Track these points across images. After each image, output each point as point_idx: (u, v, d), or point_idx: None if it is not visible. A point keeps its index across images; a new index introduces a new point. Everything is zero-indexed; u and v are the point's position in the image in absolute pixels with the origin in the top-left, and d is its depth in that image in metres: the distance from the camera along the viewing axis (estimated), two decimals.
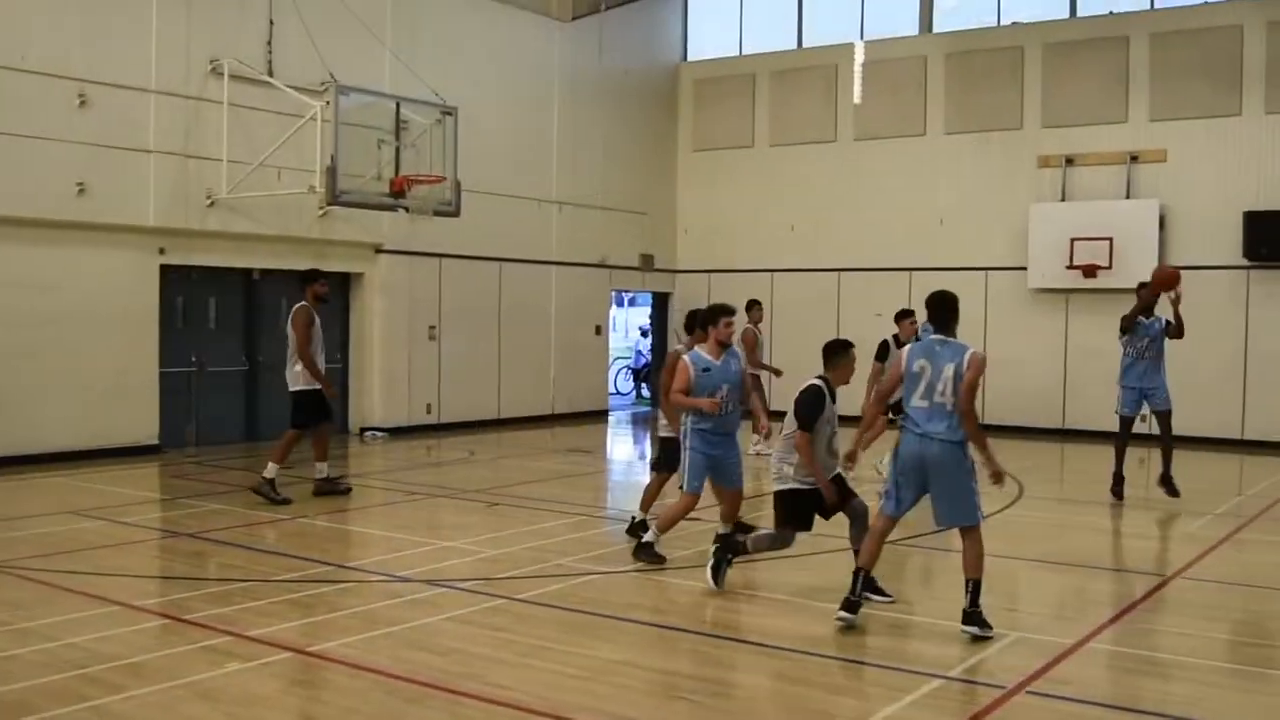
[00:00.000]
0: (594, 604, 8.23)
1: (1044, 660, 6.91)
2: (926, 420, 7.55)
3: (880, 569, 8.75)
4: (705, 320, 9.50)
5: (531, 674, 6.59)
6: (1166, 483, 12.81)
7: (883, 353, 13.74)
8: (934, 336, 7.82)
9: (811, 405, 8.20)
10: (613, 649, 7.21)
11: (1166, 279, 12.82)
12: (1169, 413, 13.00)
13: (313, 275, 12.91)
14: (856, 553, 8.12)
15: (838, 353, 8.49)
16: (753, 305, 17.17)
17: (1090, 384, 20.31)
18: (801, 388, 8.39)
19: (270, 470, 12.28)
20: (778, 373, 17.01)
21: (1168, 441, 12.99)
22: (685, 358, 9.27)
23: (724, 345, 9.34)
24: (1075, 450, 18.89)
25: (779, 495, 8.52)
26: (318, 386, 12.63)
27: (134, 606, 7.96)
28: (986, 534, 11.13)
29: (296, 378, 12.57)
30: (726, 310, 9.44)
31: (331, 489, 12.75)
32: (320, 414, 12.76)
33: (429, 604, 8.14)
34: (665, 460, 10.33)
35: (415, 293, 19.21)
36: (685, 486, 9.33)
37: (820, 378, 8.42)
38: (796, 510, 8.45)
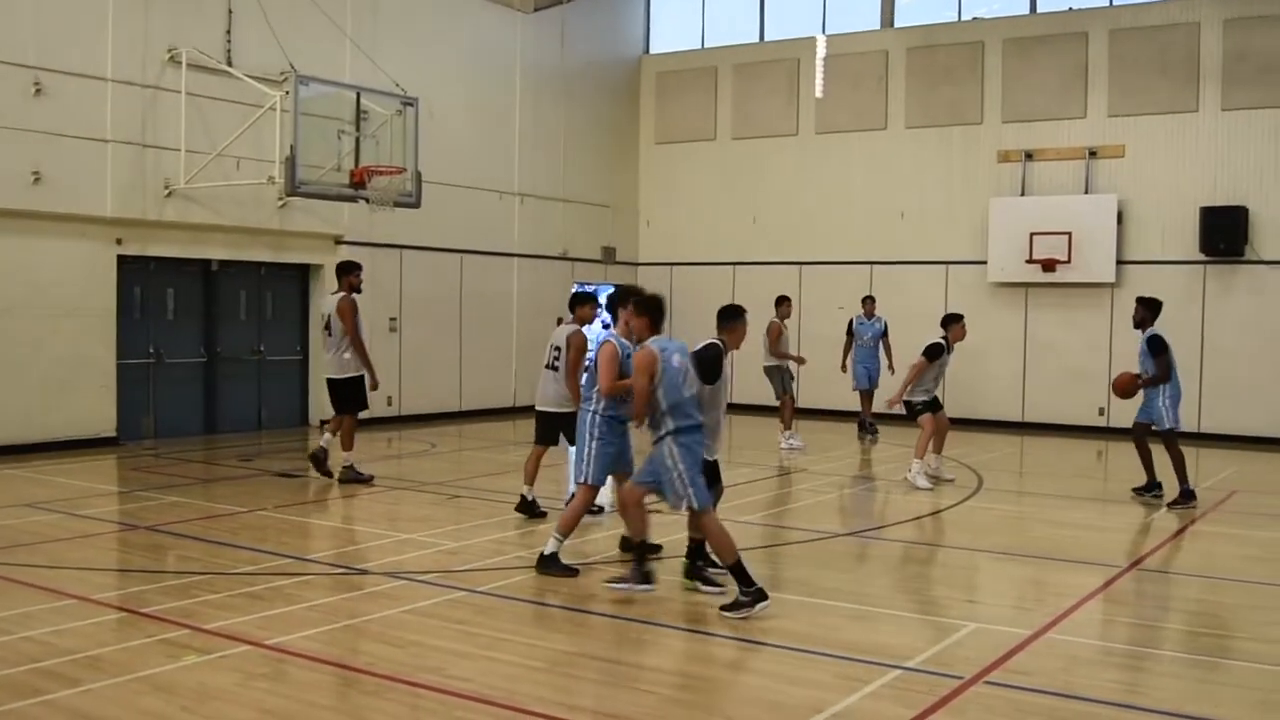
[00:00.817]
0: (553, 596, 8.23)
1: (1002, 651, 6.96)
2: (696, 410, 7.92)
3: (843, 560, 8.80)
4: (617, 302, 9.32)
5: (491, 666, 6.58)
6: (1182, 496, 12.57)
7: (934, 352, 13.63)
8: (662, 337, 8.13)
9: (718, 361, 8.38)
10: (572, 641, 7.22)
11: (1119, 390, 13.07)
12: (1165, 433, 12.61)
13: (350, 266, 13.33)
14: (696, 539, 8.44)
15: (733, 317, 8.70)
16: (782, 301, 17.62)
17: (1049, 377, 20.54)
18: (703, 344, 8.49)
19: (346, 459, 13.04)
20: (802, 360, 17.95)
21: (1171, 459, 12.64)
22: (614, 342, 9.00)
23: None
24: (1034, 443, 19.05)
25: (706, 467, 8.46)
26: (362, 373, 13.09)
27: (91, 600, 7.89)
28: (946, 526, 11.28)
29: (345, 365, 12.99)
30: (636, 292, 9.24)
31: (320, 465, 13.13)
32: (357, 401, 13.19)
33: (388, 596, 8.12)
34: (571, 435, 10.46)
35: (376, 284, 19.01)
36: (590, 479, 8.96)
37: (719, 339, 8.58)
38: (711, 477, 8.52)
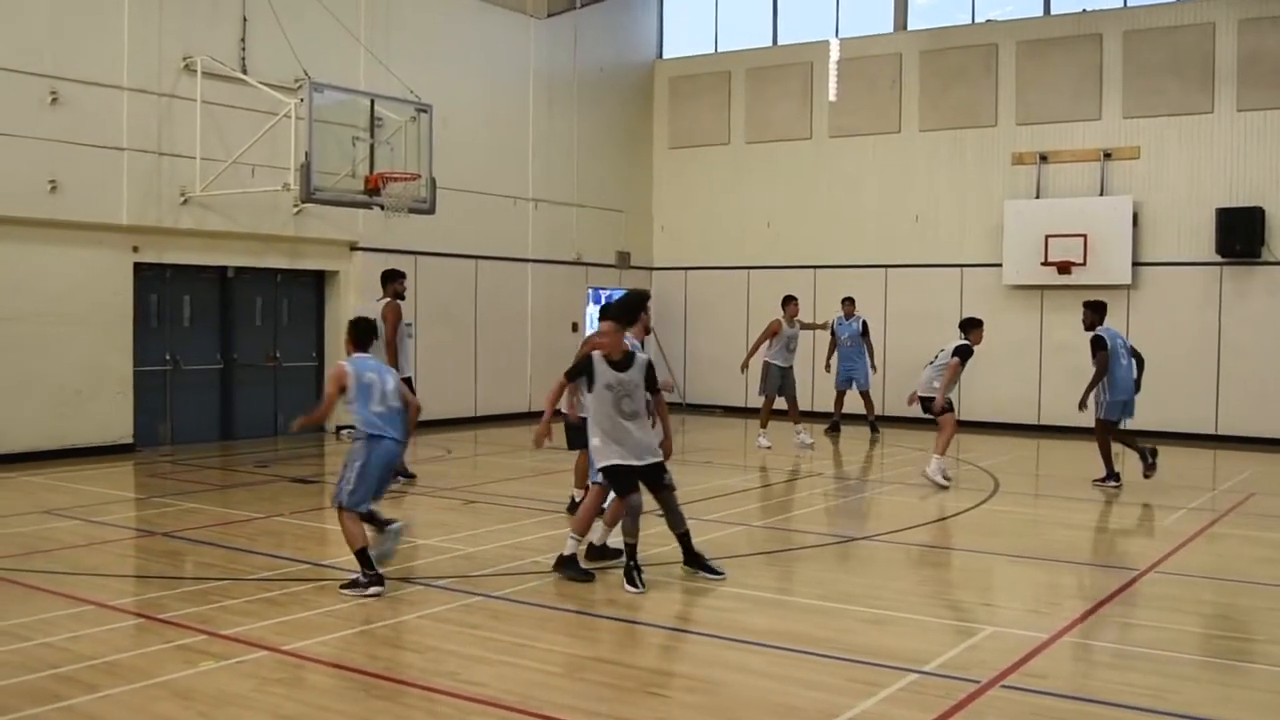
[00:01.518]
0: (570, 601, 8.24)
1: (1019, 654, 6.95)
2: (388, 424, 8.51)
3: (857, 563, 8.73)
4: (636, 307, 9.28)
5: (507, 671, 6.59)
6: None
7: (966, 353, 13.77)
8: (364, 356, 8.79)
9: (583, 368, 8.75)
10: (588, 646, 7.23)
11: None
12: (1097, 421, 13.95)
13: (394, 274, 13.82)
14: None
15: (608, 317, 9.06)
16: (787, 301, 18.20)
17: (1064, 380, 20.41)
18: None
19: None
20: (744, 367, 18.58)
21: (1098, 445, 14.04)
22: (626, 345, 9.00)
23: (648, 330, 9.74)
24: (1050, 446, 18.99)
25: (605, 470, 8.81)
26: (408, 374, 13.43)
27: (109, 606, 7.92)
28: (962, 529, 11.25)
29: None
30: (647, 296, 9.70)
31: (401, 471, 13.40)
32: None
33: (405, 602, 8.13)
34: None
35: None
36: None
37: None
38: (626, 482, 8.70)
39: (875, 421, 19.40)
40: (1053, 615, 8.07)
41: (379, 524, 8.64)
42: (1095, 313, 13.91)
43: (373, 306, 13.68)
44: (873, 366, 19.54)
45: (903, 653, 7.01)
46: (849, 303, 19.76)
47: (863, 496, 13.94)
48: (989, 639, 7.37)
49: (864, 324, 19.66)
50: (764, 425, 17.77)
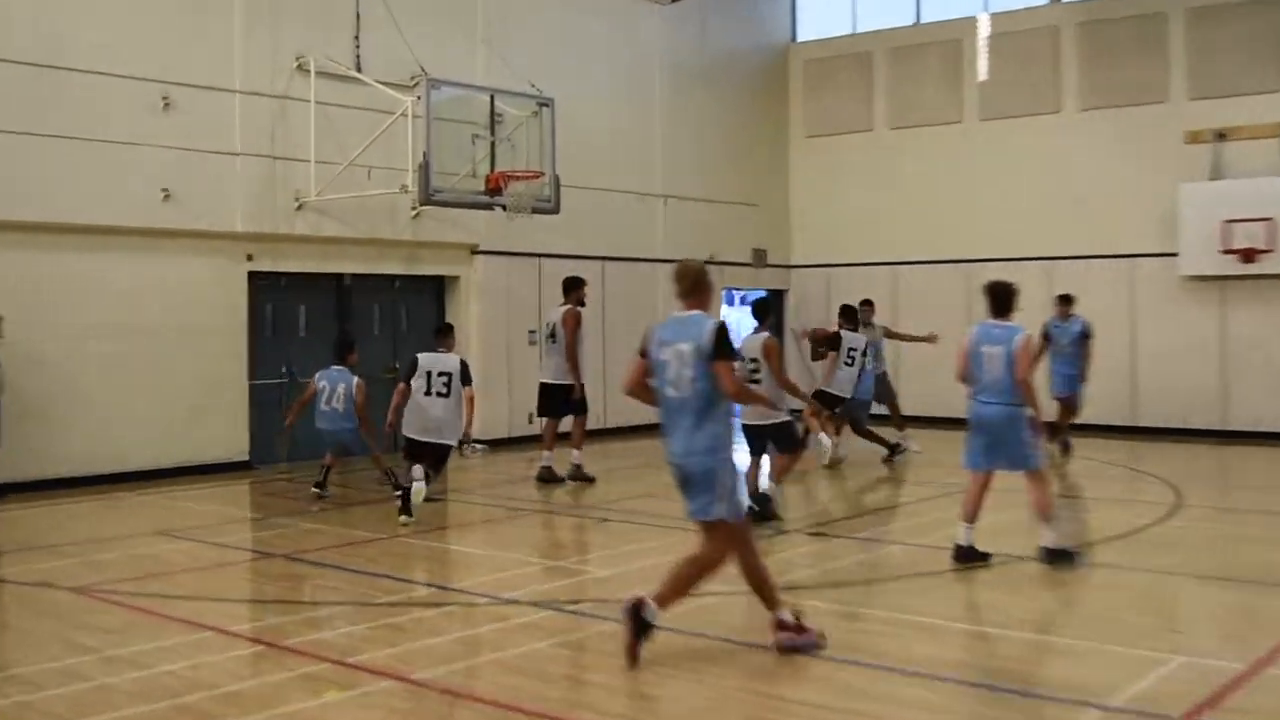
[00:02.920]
0: (713, 627, 8.11)
1: (1214, 687, 6.65)
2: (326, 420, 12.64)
3: (1029, 585, 8.47)
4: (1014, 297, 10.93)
5: (646, 703, 6.51)
6: None
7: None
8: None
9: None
10: (734, 676, 7.10)
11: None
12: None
13: (577, 281, 15.03)
14: None
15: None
16: (864, 305, 17.97)
17: (1252, 380, 19.71)
18: None
19: (576, 457, 14.83)
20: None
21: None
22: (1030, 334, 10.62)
23: None
24: (1239, 454, 18.31)
25: None
26: (571, 381, 14.63)
27: (228, 632, 8.05)
28: (1143, 547, 10.88)
29: (566, 373, 14.53)
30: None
31: (552, 477, 14.71)
32: (567, 406, 14.85)
33: (536, 628, 8.10)
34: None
35: (514, 295, 19.26)
36: (1040, 464, 10.27)
37: None
38: None
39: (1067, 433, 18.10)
40: (1251, 643, 7.72)
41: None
42: (847, 317, 16.79)
43: (554, 314, 14.81)
44: (1082, 377, 17.51)
45: (1082, 684, 6.75)
46: (1065, 301, 17.76)
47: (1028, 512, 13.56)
48: (1180, 669, 7.07)
49: (1085, 326, 17.52)
50: (900, 429, 17.42)
